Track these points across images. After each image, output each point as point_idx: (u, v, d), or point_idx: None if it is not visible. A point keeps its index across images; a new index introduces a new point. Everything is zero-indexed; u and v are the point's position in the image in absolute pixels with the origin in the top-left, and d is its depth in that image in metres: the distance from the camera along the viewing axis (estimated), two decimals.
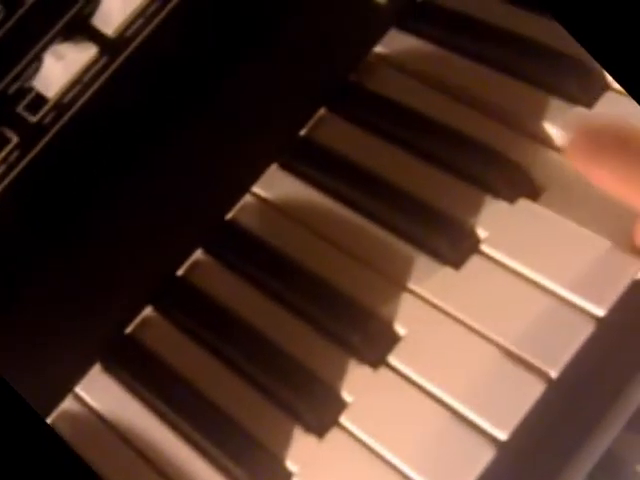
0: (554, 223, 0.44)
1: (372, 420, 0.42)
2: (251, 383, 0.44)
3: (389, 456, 0.41)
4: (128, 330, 0.47)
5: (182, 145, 0.49)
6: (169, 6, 0.50)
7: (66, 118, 0.49)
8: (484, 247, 0.44)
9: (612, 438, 0.41)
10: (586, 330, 0.40)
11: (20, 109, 0.49)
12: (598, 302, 0.41)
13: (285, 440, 0.42)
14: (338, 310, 0.44)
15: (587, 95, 0.46)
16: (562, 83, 0.47)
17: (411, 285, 0.44)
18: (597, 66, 0.46)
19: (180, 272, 0.48)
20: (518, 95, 0.47)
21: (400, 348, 0.43)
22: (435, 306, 0.43)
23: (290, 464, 0.42)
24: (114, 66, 0.50)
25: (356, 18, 0.51)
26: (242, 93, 0.50)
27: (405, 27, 0.51)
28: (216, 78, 0.50)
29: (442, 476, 0.40)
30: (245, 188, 0.49)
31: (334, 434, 0.42)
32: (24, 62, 0.50)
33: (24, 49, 0.50)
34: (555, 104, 0.47)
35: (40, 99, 0.49)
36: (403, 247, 0.45)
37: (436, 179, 0.46)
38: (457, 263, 0.44)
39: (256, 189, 0.49)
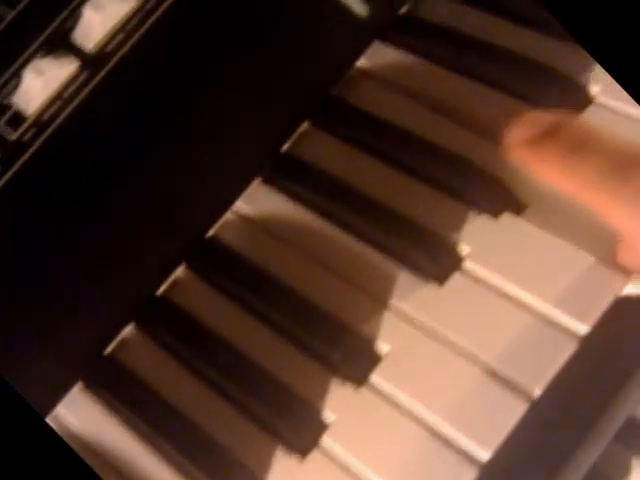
0: (538, 238, 0.43)
1: (354, 440, 0.41)
2: (232, 403, 0.44)
3: (372, 476, 0.40)
4: (109, 349, 0.46)
5: (164, 161, 0.49)
6: (149, 21, 0.49)
7: (46, 135, 0.48)
8: (467, 263, 0.44)
9: (596, 456, 0.41)
10: (569, 348, 0.40)
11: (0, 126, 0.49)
12: (581, 319, 0.40)
13: (266, 461, 0.42)
14: (319, 327, 0.44)
15: (570, 107, 0.46)
16: (544, 95, 0.46)
17: (393, 302, 0.44)
18: (580, 78, 0.46)
19: (162, 290, 0.47)
20: (501, 108, 0.47)
21: (382, 367, 0.42)
22: (417, 323, 0.43)
23: None
24: (95, 81, 0.49)
25: (338, 32, 0.51)
26: (224, 108, 0.50)
27: (387, 40, 0.51)
28: (197, 93, 0.49)
29: None
30: (228, 204, 0.49)
31: (316, 455, 0.41)
32: (4, 78, 0.49)
33: (3, 65, 0.49)
34: None
35: (20, 116, 0.49)
36: (386, 263, 0.45)
37: (419, 194, 0.46)
38: (440, 279, 0.44)
39: (239, 205, 0.49)
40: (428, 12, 0.51)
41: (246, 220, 0.48)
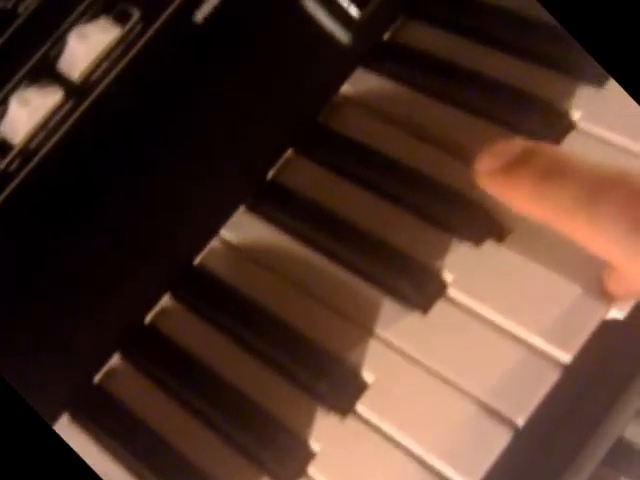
0: (520, 265, 0.43)
1: (340, 470, 0.41)
2: (218, 433, 0.44)
3: None
4: (96, 379, 0.47)
5: (148, 190, 0.49)
6: (133, 50, 0.50)
7: (32, 164, 0.49)
8: (450, 291, 0.44)
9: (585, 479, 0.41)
10: (552, 377, 0.40)
11: None
12: (564, 348, 0.41)
13: None
14: (304, 357, 0.44)
15: (552, 133, 0.46)
16: (527, 122, 0.47)
17: (378, 330, 0.44)
18: (562, 105, 0.46)
19: (148, 318, 0.48)
20: (484, 135, 0.47)
21: (368, 396, 0.43)
22: (402, 352, 0.43)
23: None
24: (80, 111, 0.49)
25: (322, 59, 0.51)
26: (209, 136, 0.50)
27: (371, 67, 0.51)
28: (181, 122, 0.50)
29: None
30: (213, 232, 0.49)
31: None
32: None
33: None
34: None
35: (6, 145, 0.49)
36: (371, 292, 0.45)
37: (402, 222, 0.46)
38: (424, 307, 0.44)
39: (224, 233, 0.49)
40: (411, 39, 0.51)
41: (231, 248, 0.49)
